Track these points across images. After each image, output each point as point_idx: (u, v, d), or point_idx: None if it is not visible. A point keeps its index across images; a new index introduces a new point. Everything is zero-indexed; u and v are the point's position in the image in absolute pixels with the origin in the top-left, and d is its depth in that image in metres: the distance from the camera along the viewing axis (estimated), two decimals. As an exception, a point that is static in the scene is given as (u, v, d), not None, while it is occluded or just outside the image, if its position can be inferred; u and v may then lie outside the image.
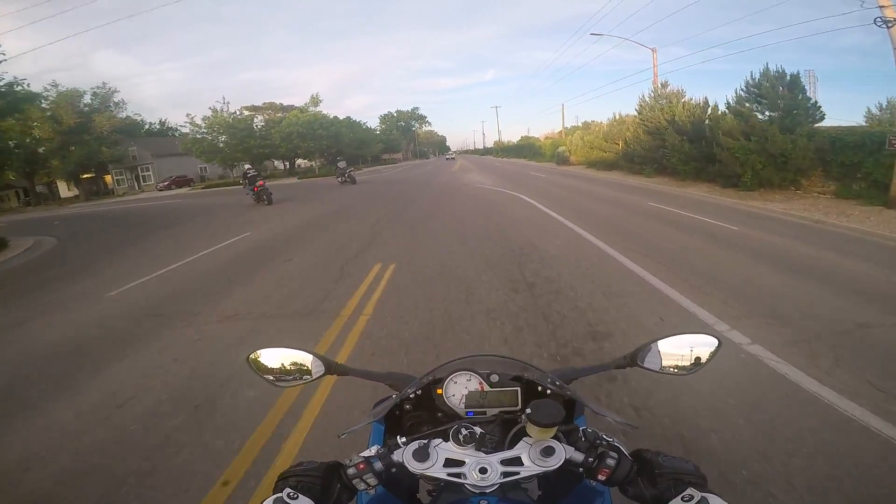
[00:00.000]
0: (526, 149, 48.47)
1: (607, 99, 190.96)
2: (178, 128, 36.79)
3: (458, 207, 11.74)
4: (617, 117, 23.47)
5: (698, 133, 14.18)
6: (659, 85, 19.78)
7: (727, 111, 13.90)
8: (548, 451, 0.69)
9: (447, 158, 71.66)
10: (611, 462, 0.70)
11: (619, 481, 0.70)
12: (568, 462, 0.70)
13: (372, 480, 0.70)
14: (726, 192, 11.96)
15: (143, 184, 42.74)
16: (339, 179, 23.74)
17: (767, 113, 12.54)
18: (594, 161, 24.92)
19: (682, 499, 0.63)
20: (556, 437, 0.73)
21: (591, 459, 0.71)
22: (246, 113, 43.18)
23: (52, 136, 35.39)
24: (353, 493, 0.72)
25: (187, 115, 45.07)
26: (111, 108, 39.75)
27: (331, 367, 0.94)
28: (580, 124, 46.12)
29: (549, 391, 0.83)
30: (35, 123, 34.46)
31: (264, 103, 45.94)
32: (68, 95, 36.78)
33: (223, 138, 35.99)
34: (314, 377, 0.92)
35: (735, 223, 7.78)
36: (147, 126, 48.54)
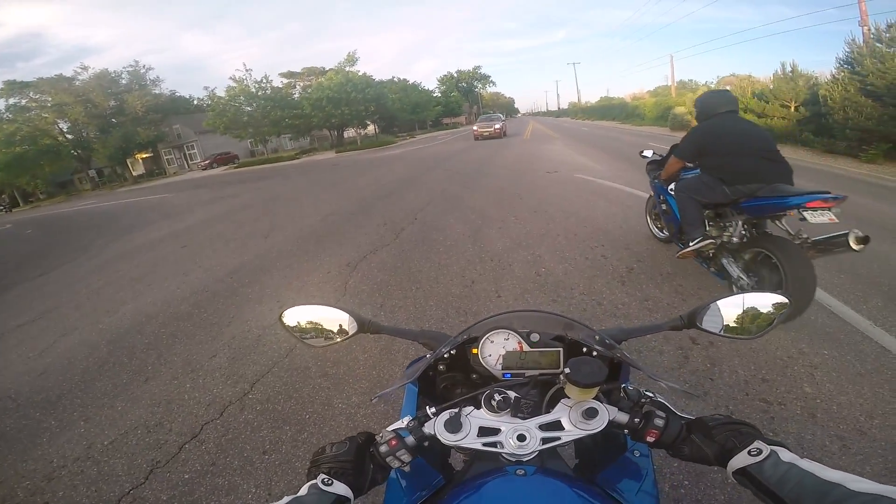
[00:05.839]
0: (614, 110, 37.75)
1: (702, 59, 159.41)
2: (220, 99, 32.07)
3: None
4: (787, 70, 14.32)
5: None
6: (881, 26, 11.07)
7: None
8: (590, 413, 0.61)
9: (513, 118, 53.80)
10: (659, 422, 0.61)
11: (669, 443, 0.61)
12: (612, 424, 0.63)
13: (405, 457, 0.63)
14: None
15: (190, 162, 40.45)
16: None
17: None
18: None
19: (748, 453, 0.55)
20: (596, 398, 0.64)
21: (636, 420, 0.62)
22: (284, 81, 38.04)
23: (87, 120, 33.49)
24: (388, 470, 0.64)
25: (205, 87, 40.52)
26: (147, 85, 36.99)
27: (364, 325, 0.85)
28: (670, 84, 34.69)
29: (594, 352, 0.73)
30: (68, 107, 32.64)
31: (303, 69, 39.91)
32: (100, 77, 34.38)
33: (247, 110, 30.96)
34: (347, 336, 0.84)
35: None
36: (196, 101, 45.70)
